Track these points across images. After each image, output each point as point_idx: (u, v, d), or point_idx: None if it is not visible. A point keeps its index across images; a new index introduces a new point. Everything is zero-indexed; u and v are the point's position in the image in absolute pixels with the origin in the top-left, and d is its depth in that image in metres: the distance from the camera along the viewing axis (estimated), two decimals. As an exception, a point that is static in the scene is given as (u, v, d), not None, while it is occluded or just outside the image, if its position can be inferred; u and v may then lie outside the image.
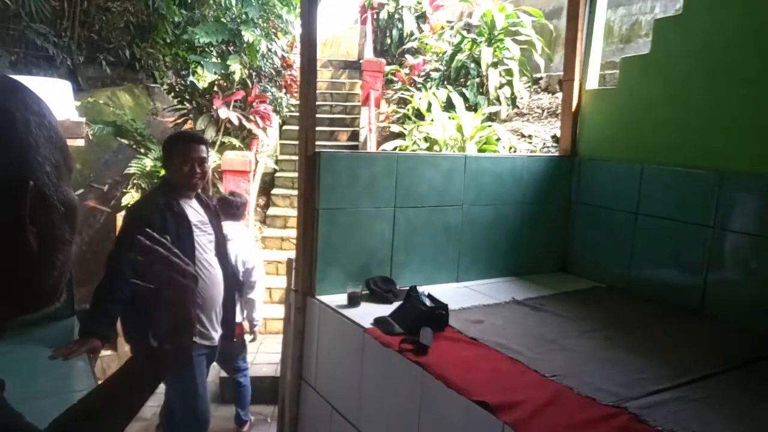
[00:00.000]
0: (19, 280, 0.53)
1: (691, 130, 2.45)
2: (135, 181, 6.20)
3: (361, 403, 2.15)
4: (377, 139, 6.99)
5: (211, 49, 7.67)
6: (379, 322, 2.11)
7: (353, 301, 2.31)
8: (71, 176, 0.59)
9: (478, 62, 7.31)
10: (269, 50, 7.87)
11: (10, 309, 0.55)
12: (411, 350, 1.89)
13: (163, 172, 6.32)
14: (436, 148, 6.16)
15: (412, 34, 9.24)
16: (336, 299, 2.36)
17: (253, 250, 3.79)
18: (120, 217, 4.96)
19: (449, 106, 6.93)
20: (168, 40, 8.29)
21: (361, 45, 9.94)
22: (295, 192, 5.77)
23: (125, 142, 6.77)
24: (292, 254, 2.58)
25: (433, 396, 1.76)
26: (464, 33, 7.88)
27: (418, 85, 7.80)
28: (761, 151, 2.20)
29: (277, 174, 7.52)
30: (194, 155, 2.58)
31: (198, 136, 2.85)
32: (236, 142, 6.89)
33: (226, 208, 3.55)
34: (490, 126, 6.36)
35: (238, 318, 3.42)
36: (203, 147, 2.64)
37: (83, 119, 4.52)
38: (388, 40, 9.51)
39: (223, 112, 6.68)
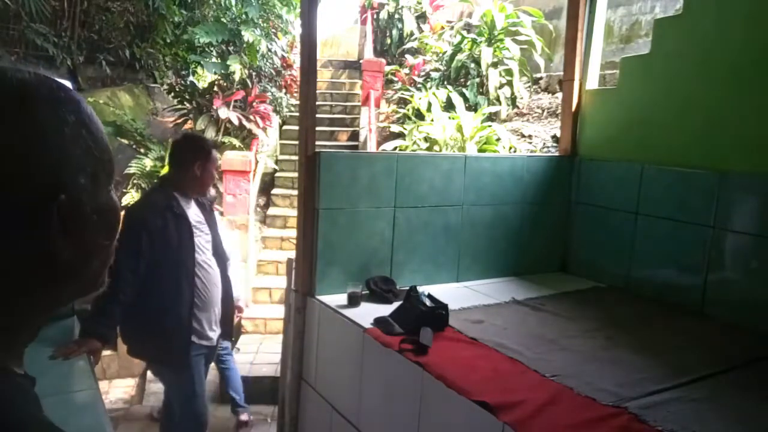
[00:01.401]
0: (55, 288, 0.55)
1: (691, 130, 2.45)
2: (135, 181, 6.21)
3: (361, 403, 2.15)
4: (377, 139, 6.99)
5: (211, 49, 7.67)
6: (379, 322, 2.11)
7: (353, 301, 2.31)
8: (112, 179, 0.59)
9: (478, 62, 7.31)
10: (269, 50, 7.87)
11: (54, 308, 0.57)
12: (411, 350, 1.89)
13: (163, 171, 6.34)
14: (436, 148, 6.16)
15: (412, 34, 9.24)
16: (336, 299, 2.36)
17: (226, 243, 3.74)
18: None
19: (449, 106, 6.93)
20: (168, 40, 8.28)
21: (361, 45, 9.94)
22: (295, 192, 5.77)
23: (125, 142, 6.77)
24: (292, 254, 2.58)
25: (433, 396, 1.76)
26: (464, 33, 7.88)
27: (418, 85, 7.80)
28: (761, 151, 2.20)
29: (277, 174, 7.52)
30: (215, 161, 2.68)
31: (212, 142, 2.89)
32: (236, 142, 6.89)
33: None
34: (490, 126, 6.36)
35: None
36: (216, 153, 2.75)
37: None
38: (388, 40, 9.51)
39: (223, 112, 6.69)
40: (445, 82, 7.58)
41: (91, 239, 0.56)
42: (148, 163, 6.41)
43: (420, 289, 2.22)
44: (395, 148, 6.51)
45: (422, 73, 8.09)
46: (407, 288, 2.25)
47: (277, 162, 7.69)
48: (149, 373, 4.63)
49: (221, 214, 5.73)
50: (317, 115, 2.58)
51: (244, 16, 7.44)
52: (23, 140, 0.51)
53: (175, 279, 2.57)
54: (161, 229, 2.51)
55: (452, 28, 8.77)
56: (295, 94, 8.20)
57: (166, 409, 2.98)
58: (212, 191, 5.42)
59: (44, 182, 0.52)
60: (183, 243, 2.57)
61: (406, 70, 8.29)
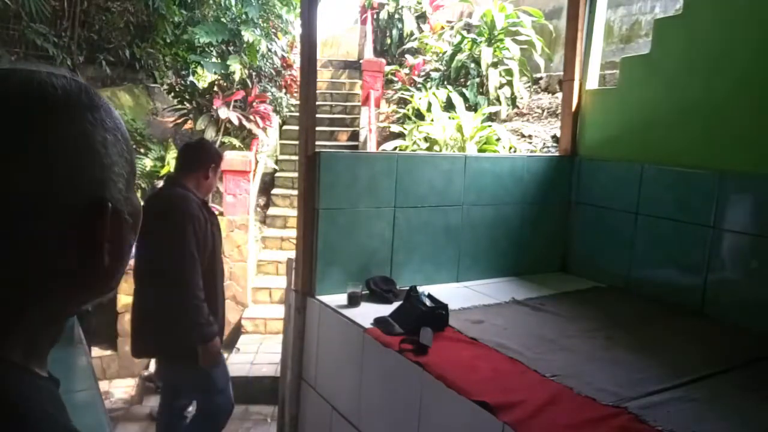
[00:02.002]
0: (92, 291, 0.55)
1: (691, 130, 2.45)
2: (135, 181, 6.21)
3: (361, 403, 2.15)
4: (377, 139, 6.99)
5: (211, 49, 7.67)
6: (379, 322, 2.11)
7: (353, 301, 2.31)
8: (134, 182, 0.60)
9: (478, 62, 7.31)
10: (269, 50, 7.87)
11: (78, 309, 0.57)
12: (411, 350, 1.89)
13: (163, 171, 6.35)
14: (436, 148, 6.16)
15: (412, 34, 9.23)
16: (336, 299, 2.36)
17: None
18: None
19: (449, 106, 6.93)
20: (168, 40, 8.28)
21: (361, 45, 9.93)
22: (295, 192, 5.77)
23: (125, 142, 6.76)
24: (292, 254, 2.58)
25: (433, 396, 1.76)
26: (464, 33, 7.88)
27: (418, 85, 7.80)
28: (761, 151, 2.20)
29: (277, 174, 7.52)
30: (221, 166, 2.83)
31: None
32: (236, 142, 6.89)
33: None
34: (490, 126, 6.36)
35: None
36: None
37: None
38: (388, 40, 9.51)
39: (223, 112, 6.69)
40: (445, 82, 7.58)
41: (126, 243, 0.57)
42: (148, 163, 6.41)
43: (420, 289, 2.22)
44: (395, 148, 6.51)
45: (422, 73, 8.09)
46: (407, 288, 2.25)
47: (277, 162, 7.69)
48: (147, 373, 4.63)
49: (221, 214, 5.73)
50: (317, 115, 2.58)
51: (244, 16, 7.45)
52: (73, 150, 0.51)
53: (213, 276, 2.62)
54: (204, 225, 2.56)
55: (452, 28, 8.77)
56: (295, 94, 8.20)
57: (170, 409, 2.95)
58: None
59: (93, 191, 0.52)
60: (216, 240, 2.66)
61: (406, 70, 8.29)
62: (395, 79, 8.34)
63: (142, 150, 6.56)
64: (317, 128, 2.62)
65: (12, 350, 0.50)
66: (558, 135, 4.23)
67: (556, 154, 3.20)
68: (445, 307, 2.14)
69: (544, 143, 6.28)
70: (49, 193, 0.49)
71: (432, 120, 6.54)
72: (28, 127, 0.49)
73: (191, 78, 8.48)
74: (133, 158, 0.59)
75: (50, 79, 0.52)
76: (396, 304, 2.23)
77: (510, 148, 6.06)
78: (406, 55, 8.71)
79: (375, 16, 9.70)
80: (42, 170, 0.49)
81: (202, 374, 2.63)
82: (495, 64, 7.26)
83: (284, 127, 8.25)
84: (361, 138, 7.55)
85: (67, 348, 2.10)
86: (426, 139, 6.36)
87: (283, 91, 8.30)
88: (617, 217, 2.73)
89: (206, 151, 2.72)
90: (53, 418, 0.49)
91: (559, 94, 5.69)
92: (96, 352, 4.76)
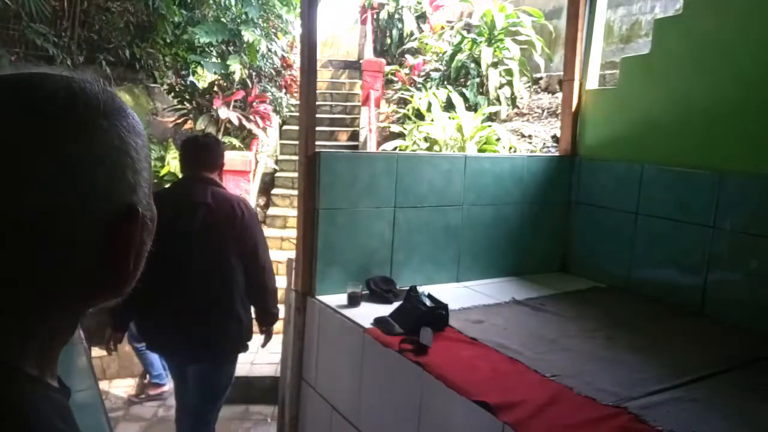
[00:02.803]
0: (111, 294, 0.56)
1: (691, 130, 2.45)
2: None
3: (361, 403, 2.15)
4: (377, 139, 6.98)
5: (211, 49, 7.67)
6: (379, 322, 2.11)
7: (353, 301, 2.31)
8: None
9: (478, 62, 7.31)
10: (269, 50, 7.86)
11: (91, 306, 0.57)
12: (411, 350, 1.89)
13: (163, 171, 6.35)
14: (436, 148, 6.16)
15: (412, 34, 9.23)
16: (336, 299, 2.36)
17: None
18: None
19: (449, 106, 6.93)
20: (168, 40, 8.28)
21: (361, 45, 9.93)
22: (295, 192, 5.77)
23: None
24: (292, 254, 2.58)
25: (433, 396, 1.76)
26: (464, 33, 7.88)
27: (418, 85, 7.79)
28: (761, 151, 2.20)
29: (277, 174, 7.51)
30: None
31: None
32: (236, 142, 6.89)
33: None
34: (490, 126, 6.36)
35: None
36: None
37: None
38: (388, 40, 9.51)
39: (223, 112, 6.68)
40: (445, 82, 7.58)
41: (146, 247, 0.57)
42: (148, 163, 6.39)
43: (420, 289, 2.22)
44: (395, 148, 6.51)
45: (422, 73, 8.08)
46: (407, 288, 2.25)
47: (277, 162, 7.69)
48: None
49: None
50: (317, 115, 2.58)
51: (244, 16, 7.44)
52: (114, 156, 0.51)
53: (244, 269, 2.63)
54: None
55: (452, 28, 8.77)
56: (295, 94, 8.19)
57: (194, 407, 2.78)
58: None
59: (125, 197, 0.52)
60: None
61: (406, 70, 8.29)
62: (395, 79, 8.34)
63: (142, 150, 6.55)
64: (317, 128, 2.62)
65: (27, 360, 0.50)
66: (558, 135, 4.23)
67: (556, 154, 3.20)
68: (445, 307, 2.14)
69: (544, 143, 6.28)
70: (90, 198, 0.49)
71: (432, 120, 6.54)
72: (68, 134, 0.49)
73: (191, 78, 8.47)
74: (150, 163, 0.59)
75: (84, 85, 0.52)
76: (396, 304, 2.23)
77: (510, 148, 6.06)
78: (406, 55, 8.71)
79: (375, 16, 9.69)
80: (85, 176, 0.49)
81: (233, 365, 2.73)
82: (495, 64, 7.26)
83: (284, 127, 8.25)
84: (361, 138, 7.55)
85: (67, 348, 2.09)
86: (426, 139, 6.36)
87: (283, 91, 8.30)
88: (617, 217, 2.73)
89: (222, 153, 2.71)
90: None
91: (559, 94, 5.69)
92: (96, 352, 4.76)
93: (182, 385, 2.74)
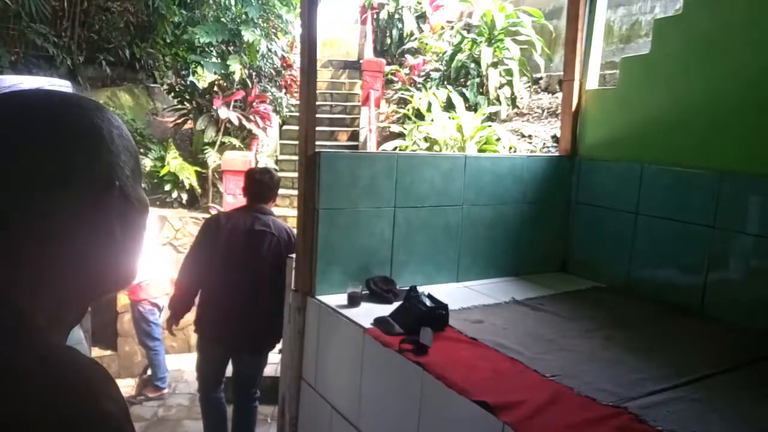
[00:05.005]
0: (109, 265, 0.65)
1: (691, 130, 2.45)
2: (141, 178, 6.22)
3: (361, 403, 2.15)
4: (377, 139, 6.99)
5: (211, 49, 7.67)
6: (379, 322, 2.11)
7: (353, 301, 2.31)
8: (142, 180, 0.71)
9: (478, 62, 7.31)
10: (269, 50, 7.87)
11: (101, 289, 0.67)
12: (411, 350, 1.89)
13: (163, 171, 6.35)
14: (436, 148, 6.16)
15: (412, 34, 9.23)
16: (336, 299, 2.36)
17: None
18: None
19: (449, 106, 6.93)
20: (168, 40, 8.29)
21: (361, 45, 9.93)
22: (295, 192, 5.75)
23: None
24: (292, 254, 2.58)
25: (433, 396, 1.76)
26: (464, 33, 7.88)
27: (418, 85, 7.80)
28: (761, 151, 2.20)
29: (277, 174, 7.51)
30: None
31: None
32: (236, 142, 6.89)
33: None
34: (490, 126, 6.36)
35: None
36: None
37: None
38: (388, 40, 9.51)
39: (223, 112, 6.68)
40: (445, 82, 7.58)
41: (135, 225, 0.67)
42: (147, 163, 6.42)
43: (420, 289, 2.21)
44: (395, 148, 6.52)
45: (422, 73, 8.08)
46: (407, 288, 2.25)
47: (277, 162, 7.69)
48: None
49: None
50: (317, 115, 2.58)
51: (244, 16, 7.44)
52: (89, 139, 0.63)
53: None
54: None
55: (452, 28, 8.77)
56: (295, 94, 8.20)
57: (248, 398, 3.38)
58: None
59: (104, 173, 0.64)
60: None
61: (406, 70, 8.29)
62: (395, 79, 8.34)
63: (142, 150, 6.56)
64: (317, 128, 2.62)
65: (36, 318, 0.58)
66: (558, 135, 4.23)
67: (556, 154, 3.19)
68: (445, 307, 2.14)
69: (544, 143, 6.29)
70: (74, 171, 0.61)
71: (432, 120, 6.54)
72: (54, 122, 0.61)
73: (191, 78, 8.48)
74: (137, 155, 0.70)
75: (58, 90, 0.65)
76: (396, 304, 2.23)
77: (510, 148, 6.06)
78: (406, 55, 8.71)
79: (375, 16, 9.70)
80: (67, 154, 0.61)
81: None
82: (495, 64, 7.26)
83: (284, 127, 8.25)
84: (361, 138, 7.55)
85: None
86: (426, 139, 6.36)
87: (283, 91, 8.30)
88: (617, 217, 2.73)
89: (275, 181, 3.40)
90: (80, 358, 0.56)
91: (559, 94, 5.69)
92: (96, 352, 4.77)
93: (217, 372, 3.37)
